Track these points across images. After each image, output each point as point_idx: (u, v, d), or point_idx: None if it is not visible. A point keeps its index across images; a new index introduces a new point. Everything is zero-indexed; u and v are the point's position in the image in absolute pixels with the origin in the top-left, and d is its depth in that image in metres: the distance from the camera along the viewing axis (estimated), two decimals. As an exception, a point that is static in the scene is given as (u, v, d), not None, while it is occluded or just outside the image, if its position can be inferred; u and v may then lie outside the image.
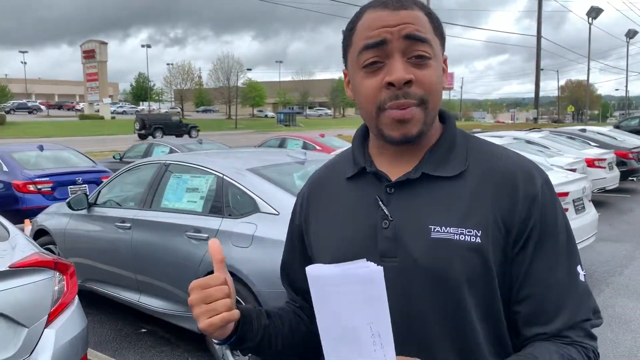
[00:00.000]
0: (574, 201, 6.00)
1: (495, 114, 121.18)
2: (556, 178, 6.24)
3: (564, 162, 9.34)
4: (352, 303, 0.87)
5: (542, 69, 44.23)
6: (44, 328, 2.74)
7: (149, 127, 36.14)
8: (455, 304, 0.97)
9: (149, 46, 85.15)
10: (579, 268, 1.02)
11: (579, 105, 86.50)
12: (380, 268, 0.85)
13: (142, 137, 34.36)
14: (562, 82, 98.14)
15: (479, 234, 0.96)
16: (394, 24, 0.96)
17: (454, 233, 0.97)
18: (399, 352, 0.88)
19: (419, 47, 0.97)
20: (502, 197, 0.99)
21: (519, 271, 0.99)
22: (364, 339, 0.87)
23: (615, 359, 4.09)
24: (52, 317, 2.79)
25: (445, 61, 1.05)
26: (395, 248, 0.99)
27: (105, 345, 4.46)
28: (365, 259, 0.87)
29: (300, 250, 1.19)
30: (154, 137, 31.94)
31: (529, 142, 11.41)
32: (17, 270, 2.70)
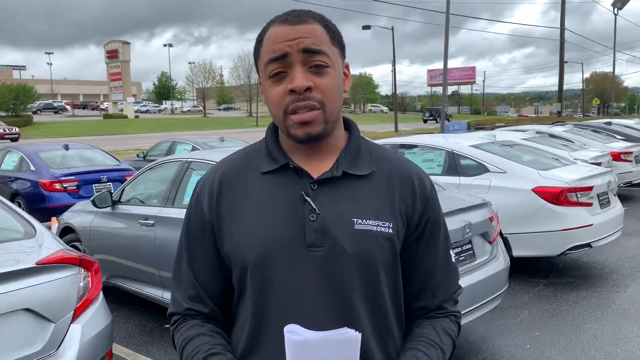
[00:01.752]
0: (598, 195, 5.90)
1: (519, 107, 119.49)
2: (580, 172, 6.14)
3: (589, 156, 9.18)
4: None
5: (567, 62, 43.47)
6: (70, 323, 2.80)
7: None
8: (375, 283, 1.13)
9: (170, 45, 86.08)
10: (451, 252, 1.28)
11: (604, 98, 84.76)
12: (358, 334, 0.97)
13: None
14: (587, 75, 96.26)
15: (390, 226, 1.14)
16: (293, 38, 1.09)
17: (373, 225, 1.12)
18: (328, 324, 1.03)
19: (316, 58, 1.09)
20: (405, 196, 1.17)
21: (413, 256, 1.20)
22: None
23: (641, 355, 4.02)
24: (77, 313, 2.86)
25: (347, 67, 1.19)
26: (323, 239, 1.10)
27: (129, 341, 4.54)
28: (346, 327, 1.00)
29: (213, 248, 1.20)
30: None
31: (552, 135, 11.24)
32: (44, 266, 2.76)
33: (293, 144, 1.17)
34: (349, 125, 1.24)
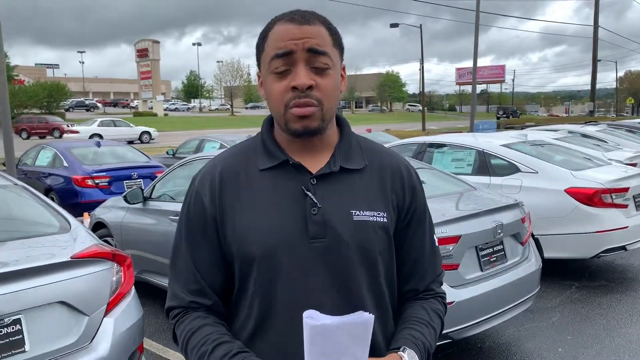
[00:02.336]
0: (634, 197, 5.74)
1: (549, 107, 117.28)
2: (615, 173, 5.99)
3: (624, 157, 8.96)
4: (342, 345, 1.00)
5: (600, 60, 42.45)
6: (103, 317, 2.85)
7: None
8: (373, 269, 1.21)
9: (199, 44, 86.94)
10: (435, 237, 1.37)
11: (639, 97, 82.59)
12: (372, 316, 1.02)
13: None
14: (621, 73, 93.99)
15: (385, 216, 1.22)
16: (299, 37, 1.14)
17: (369, 215, 1.20)
18: (334, 310, 1.09)
19: (319, 59, 1.15)
20: (395, 187, 1.26)
21: (403, 242, 1.28)
22: None
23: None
24: (110, 307, 2.90)
25: (343, 69, 1.26)
26: (324, 230, 1.17)
27: (159, 335, 4.60)
28: (360, 311, 1.04)
29: (214, 242, 1.23)
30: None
31: (584, 135, 11.00)
32: (78, 261, 2.82)
33: (289, 139, 1.23)
34: (340, 122, 1.31)
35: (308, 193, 1.18)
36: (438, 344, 1.30)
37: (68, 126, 36.65)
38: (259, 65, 1.24)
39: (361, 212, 1.20)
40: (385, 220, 1.22)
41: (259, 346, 1.18)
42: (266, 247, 1.16)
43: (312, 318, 1.00)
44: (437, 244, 1.37)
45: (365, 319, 1.01)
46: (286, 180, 1.21)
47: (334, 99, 1.20)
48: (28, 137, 35.81)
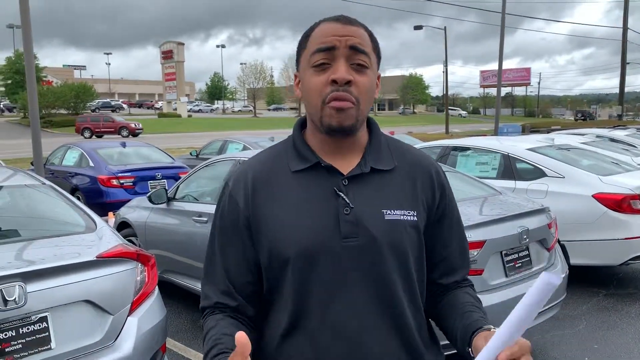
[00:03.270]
0: (664, 203, 5.59)
1: (575, 110, 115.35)
2: (645, 178, 5.85)
3: (653, 162, 8.74)
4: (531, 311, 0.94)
5: (629, 63, 41.57)
6: (127, 316, 2.88)
7: None
8: (405, 265, 1.23)
9: (223, 46, 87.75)
10: (464, 232, 1.40)
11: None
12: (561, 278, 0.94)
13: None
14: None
15: (415, 215, 1.25)
16: (342, 35, 1.18)
17: (400, 215, 1.23)
18: (369, 306, 1.18)
19: (359, 57, 1.19)
20: (425, 186, 1.28)
21: (435, 240, 1.31)
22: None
23: None
24: (134, 306, 2.93)
25: (378, 77, 1.29)
26: (357, 229, 1.19)
27: (181, 335, 4.63)
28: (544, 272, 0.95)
29: (247, 243, 1.25)
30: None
31: (613, 140, 10.79)
32: (104, 260, 2.85)
33: (321, 140, 1.25)
34: (369, 123, 1.33)
35: (340, 194, 1.21)
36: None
37: (135, 125, 37.57)
38: (297, 65, 1.27)
39: (392, 211, 1.22)
40: (415, 219, 1.24)
41: (292, 344, 1.21)
42: (300, 247, 1.19)
43: (552, 275, 0.93)
44: (466, 240, 1.40)
45: (554, 280, 0.93)
46: (318, 182, 1.23)
47: (369, 100, 1.22)
48: (91, 137, 36.32)
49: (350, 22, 1.22)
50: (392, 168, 1.27)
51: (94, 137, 36.15)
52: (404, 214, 1.23)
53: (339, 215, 1.20)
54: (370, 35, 1.25)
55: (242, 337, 0.95)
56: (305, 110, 1.27)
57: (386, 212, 1.22)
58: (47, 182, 3.78)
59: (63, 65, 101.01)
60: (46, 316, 2.57)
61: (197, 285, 4.86)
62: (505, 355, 0.94)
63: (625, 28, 36.55)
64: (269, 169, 1.28)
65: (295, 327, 1.22)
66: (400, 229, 1.22)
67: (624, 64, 37.22)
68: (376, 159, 1.26)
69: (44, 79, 57.04)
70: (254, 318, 1.28)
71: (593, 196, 5.35)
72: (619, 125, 17.14)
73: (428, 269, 1.32)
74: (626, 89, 44.31)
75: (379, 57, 1.27)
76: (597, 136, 11.04)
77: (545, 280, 0.92)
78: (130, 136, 35.71)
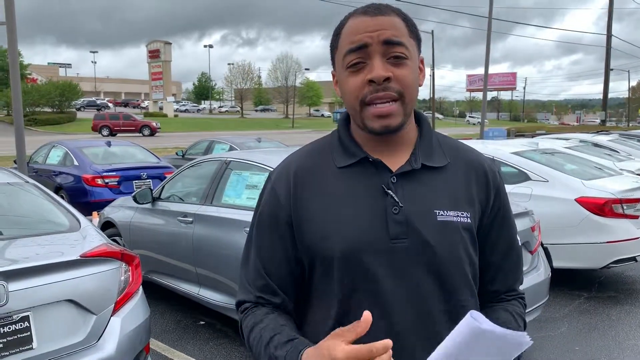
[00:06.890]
0: (645, 208, 5.69)
1: (560, 115, 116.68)
2: (626, 183, 5.94)
3: (635, 167, 8.89)
4: (486, 353, 0.93)
5: (612, 69, 42.10)
6: (111, 316, 2.86)
7: None
8: (457, 271, 1.14)
9: (210, 46, 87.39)
10: (518, 237, 1.32)
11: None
12: (531, 342, 0.92)
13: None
14: (633, 83, 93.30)
15: (469, 216, 1.16)
16: (373, 29, 1.10)
17: (453, 216, 1.14)
18: (410, 311, 1.10)
19: (395, 49, 1.10)
20: (479, 186, 1.20)
21: (486, 243, 1.22)
22: None
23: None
24: (118, 306, 2.91)
25: (422, 61, 1.19)
26: (406, 231, 1.12)
27: (165, 336, 4.60)
28: (525, 333, 0.94)
29: (286, 238, 1.19)
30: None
31: (596, 145, 10.93)
32: (87, 259, 2.82)
33: (367, 136, 1.18)
34: (419, 118, 1.25)
35: (389, 192, 1.13)
36: None
37: (155, 124, 39.06)
38: (333, 64, 1.21)
39: (445, 212, 1.14)
40: (469, 220, 1.16)
41: None
42: (346, 246, 1.12)
43: (477, 320, 0.93)
44: (519, 244, 1.31)
45: (524, 341, 0.94)
46: (365, 179, 1.16)
47: (414, 91, 1.14)
48: (108, 135, 36.34)
49: (380, 11, 1.12)
50: (445, 165, 1.19)
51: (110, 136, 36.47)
52: (458, 215, 1.14)
53: (387, 214, 1.12)
54: (405, 19, 1.15)
55: (369, 316, 0.92)
56: (347, 110, 1.20)
57: (439, 212, 1.14)
58: (31, 181, 3.74)
59: (48, 63, 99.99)
60: (28, 315, 2.54)
61: (181, 286, 4.84)
62: None
63: (609, 35, 37.05)
64: (314, 163, 1.21)
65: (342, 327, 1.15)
66: (453, 230, 1.13)
67: (607, 70, 37.72)
68: (427, 154, 1.18)
69: (29, 76, 56.37)
70: (293, 314, 1.23)
71: (576, 200, 5.42)
72: (602, 131, 17.37)
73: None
74: (610, 95, 44.85)
75: (418, 41, 1.18)
76: (581, 141, 11.18)
77: (470, 323, 0.90)
78: (150, 135, 36.92)
